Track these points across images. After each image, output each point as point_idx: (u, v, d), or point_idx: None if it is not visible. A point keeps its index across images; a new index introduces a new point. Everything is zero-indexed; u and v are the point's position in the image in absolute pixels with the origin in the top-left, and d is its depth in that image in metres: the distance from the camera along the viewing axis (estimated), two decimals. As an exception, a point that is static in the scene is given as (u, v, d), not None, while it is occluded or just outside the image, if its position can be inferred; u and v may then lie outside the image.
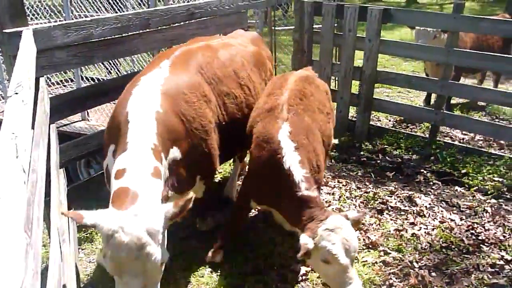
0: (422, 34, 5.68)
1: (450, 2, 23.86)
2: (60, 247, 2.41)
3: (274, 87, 3.53)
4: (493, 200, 4.19)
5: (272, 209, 3.17)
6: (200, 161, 3.01)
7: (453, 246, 3.56)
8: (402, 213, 4.03)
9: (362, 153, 5.14)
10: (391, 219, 3.95)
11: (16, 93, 1.80)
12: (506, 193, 4.29)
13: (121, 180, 2.26)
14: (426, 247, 3.57)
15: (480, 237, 3.65)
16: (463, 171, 4.62)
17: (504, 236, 3.66)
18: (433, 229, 3.79)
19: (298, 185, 2.83)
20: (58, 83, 6.81)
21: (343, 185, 4.50)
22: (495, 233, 3.70)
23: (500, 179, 4.44)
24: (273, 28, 6.64)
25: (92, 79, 6.09)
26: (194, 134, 2.95)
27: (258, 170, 3.13)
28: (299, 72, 3.79)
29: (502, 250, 3.49)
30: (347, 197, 4.28)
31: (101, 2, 6.55)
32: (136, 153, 2.41)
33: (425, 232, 3.75)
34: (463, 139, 5.49)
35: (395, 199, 4.23)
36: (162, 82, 2.91)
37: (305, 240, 2.58)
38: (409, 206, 4.12)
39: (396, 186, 4.45)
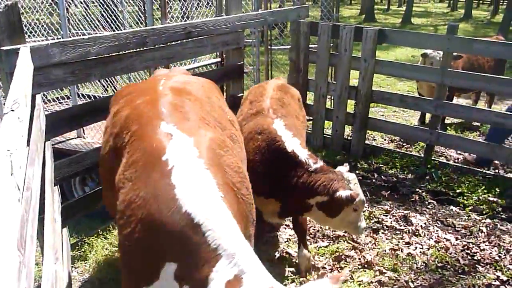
0: (436, 60, 5.73)
1: (444, 24, 24.23)
2: (54, 265, 2.38)
3: (254, 95, 3.77)
4: (488, 220, 4.19)
5: (280, 202, 3.25)
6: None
7: (448, 266, 3.54)
8: (398, 232, 4.02)
9: (357, 172, 5.14)
10: (387, 239, 3.94)
11: (12, 110, 1.80)
12: (501, 213, 4.29)
13: None
14: (421, 267, 3.56)
15: (475, 257, 3.64)
16: (458, 191, 4.63)
17: (499, 256, 3.65)
18: (428, 249, 3.78)
19: (306, 163, 3.09)
20: (54, 100, 6.81)
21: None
22: (491, 253, 3.69)
23: (495, 199, 4.45)
24: (269, 47, 6.70)
25: (89, 96, 6.10)
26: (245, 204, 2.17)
27: (259, 162, 3.17)
28: (274, 81, 4.05)
29: (498, 271, 3.48)
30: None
31: (99, 21, 6.61)
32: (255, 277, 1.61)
33: (420, 252, 3.74)
34: (458, 158, 5.52)
35: (390, 218, 4.23)
36: (196, 152, 2.03)
37: (349, 193, 2.94)
38: (404, 226, 4.11)
39: (392, 205, 4.45)
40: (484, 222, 4.15)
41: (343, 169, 3.21)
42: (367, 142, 5.65)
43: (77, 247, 3.96)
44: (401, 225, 4.11)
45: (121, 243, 1.98)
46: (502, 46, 4.62)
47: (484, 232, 4.00)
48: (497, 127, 4.91)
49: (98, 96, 6.22)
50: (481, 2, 48.96)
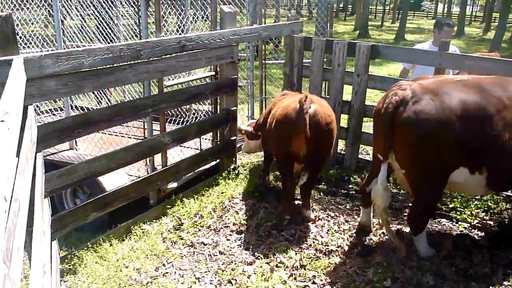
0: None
1: (436, 40, 24.39)
2: (41, 279, 2.35)
3: (273, 103, 4.65)
4: (480, 234, 4.19)
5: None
6: None
7: (442, 281, 3.52)
8: (391, 246, 3.99)
9: (350, 186, 5.14)
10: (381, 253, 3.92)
11: (2, 121, 1.79)
12: (493, 227, 4.29)
13: None
14: (413, 282, 3.53)
15: (468, 272, 3.62)
16: (450, 206, 4.64)
17: (492, 272, 3.64)
18: (421, 264, 3.75)
19: None
20: (47, 112, 6.80)
21: (331, 218, 4.48)
22: (484, 268, 3.68)
23: (487, 215, 4.46)
24: (264, 61, 6.74)
25: (82, 108, 6.09)
26: None
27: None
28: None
29: (491, 286, 3.47)
30: (335, 230, 4.26)
31: (94, 33, 6.63)
32: None
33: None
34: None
35: (383, 232, 4.21)
36: None
37: None
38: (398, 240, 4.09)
39: (385, 220, 4.44)
40: (477, 237, 4.15)
41: None
42: (360, 156, 5.66)
43: (66, 260, 3.91)
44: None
45: None
46: (494, 62, 4.66)
47: (476, 247, 3.99)
48: None
49: (91, 108, 6.21)
50: (473, 19, 49.57)
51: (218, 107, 5.51)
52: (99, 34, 6.51)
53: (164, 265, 3.84)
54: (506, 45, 27.24)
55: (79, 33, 6.58)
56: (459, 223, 4.38)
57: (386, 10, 52.13)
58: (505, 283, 3.48)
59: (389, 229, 3.84)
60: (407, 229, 4.24)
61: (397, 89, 3.49)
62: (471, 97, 3.33)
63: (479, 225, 4.34)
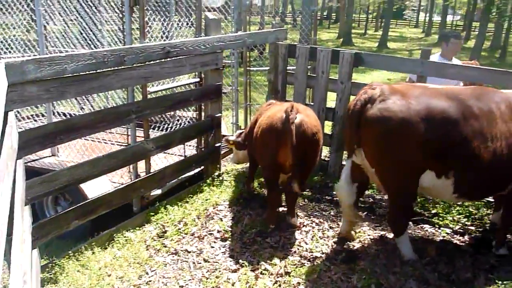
0: None
1: (418, 48, 24.84)
2: (21, 288, 2.30)
3: (259, 112, 4.58)
4: (462, 239, 4.24)
5: None
6: None
7: (425, 287, 3.55)
8: (375, 252, 4.02)
9: (335, 193, 5.16)
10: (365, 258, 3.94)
11: (-18, 127, 1.76)
12: (475, 233, 4.35)
13: None
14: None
15: (451, 277, 3.66)
16: (433, 211, 4.69)
17: (474, 276, 3.68)
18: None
19: None
20: (29, 118, 6.70)
21: (316, 225, 4.49)
22: (466, 273, 3.72)
23: (468, 221, 4.52)
24: (248, 68, 6.76)
25: (64, 114, 6.02)
26: None
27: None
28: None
29: (473, 291, 3.51)
30: (320, 236, 4.26)
31: (77, 39, 6.57)
32: None
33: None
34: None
35: (367, 239, 4.23)
36: None
37: None
38: (382, 246, 4.12)
39: (368, 226, 4.47)
40: (459, 242, 4.20)
41: None
42: (344, 163, 5.68)
43: (47, 269, 3.84)
44: (378, 246, 4.12)
45: None
46: (475, 70, 4.74)
47: (459, 253, 4.03)
48: None
49: (74, 114, 6.14)
50: (454, 28, 50.53)
51: (203, 113, 5.50)
52: (82, 40, 6.45)
53: (147, 273, 3.80)
54: (486, 54, 27.80)
55: (62, 38, 6.51)
56: (442, 228, 4.43)
57: (369, 19, 52.80)
58: (487, 287, 3.53)
59: (350, 229, 3.88)
60: (390, 235, 4.27)
61: (367, 88, 3.61)
62: (439, 103, 3.44)
63: (461, 230, 4.39)
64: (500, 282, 3.53)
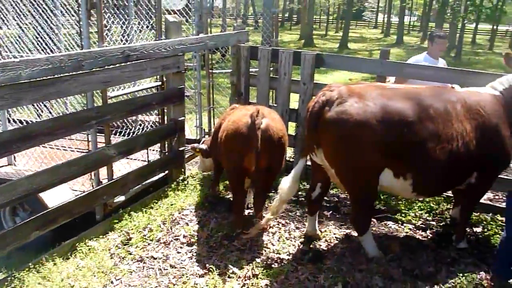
0: None
1: (378, 48, 25.43)
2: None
3: (223, 117, 4.56)
4: (424, 234, 4.36)
5: None
6: None
7: (390, 283, 3.62)
8: (340, 251, 4.07)
9: (299, 193, 5.19)
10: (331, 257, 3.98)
11: None
12: (436, 228, 4.48)
13: None
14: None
15: (415, 272, 3.75)
16: (395, 208, 4.80)
17: (437, 270, 3.78)
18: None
19: None
20: (-18, 126, 6.43)
21: (282, 225, 4.51)
22: (429, 267, 3.82)
23: (430, 216, 4.65)
24: (210, 71, 6.72)
25: (21, 121, 5.81)
26: None
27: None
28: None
29: (435, 285, 3.60)
30: (286, 237, 4.29)
31: (33, 43, 6.35)
32: None
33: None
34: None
35: (332, 237, 4.28)
36: None
37: None
38: (347, 243, 4.18)
39: (334, 225, 4.52)
40: (421, 237, 4.31)
41: None
42: (308, 163, 5.73)
43: (6, 283, 3.68)
44: (343, 244, 4.18)
45: None
46: (433, 70, 4.87)
47: (421, 248, 4.14)
48: None
49: (31, 121, 5.94)
50: (411, 28, 51.96)
51: (166, 117, 5.43)
52: (38, 44, 6.24)
53: (112, 282, 3.71)
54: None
55: (16, 43, 6.29)
56: (404, 224, 4.55)
57: (330, 20, 53.60)
58: (449, 280, 3.64)
59: (268, 219, 4.00)
60: (355, 234, 4.34)
61: (326, 90, 3.67)
62: (395, 104, 3.51)
63: (423, 226, 4.51)
64: (461, 275, 3.66)
